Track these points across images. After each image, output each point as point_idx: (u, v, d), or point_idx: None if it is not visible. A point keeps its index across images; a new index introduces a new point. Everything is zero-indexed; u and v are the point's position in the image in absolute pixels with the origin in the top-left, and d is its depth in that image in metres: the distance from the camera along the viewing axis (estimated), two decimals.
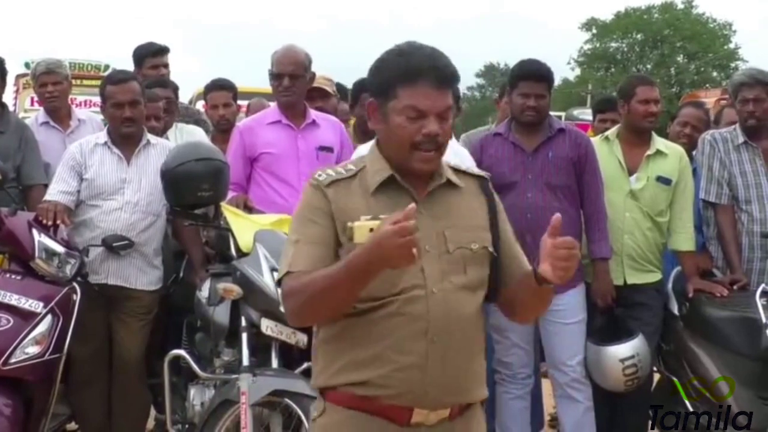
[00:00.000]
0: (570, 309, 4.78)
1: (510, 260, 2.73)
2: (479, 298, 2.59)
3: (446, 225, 2.53)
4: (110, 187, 4.76)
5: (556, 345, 4.86)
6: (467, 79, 62.13)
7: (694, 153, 5.52)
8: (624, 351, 4.68)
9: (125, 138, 4.83)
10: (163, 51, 6.52)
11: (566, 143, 4.80)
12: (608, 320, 4.85)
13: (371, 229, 2.27)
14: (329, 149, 5.07)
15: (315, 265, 2.42)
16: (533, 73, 4.83)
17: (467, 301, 2.53)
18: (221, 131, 6.09)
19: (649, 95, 5.00)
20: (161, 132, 5.46)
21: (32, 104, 11.93)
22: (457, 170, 2.69)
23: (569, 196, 4.78)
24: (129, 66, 6.39)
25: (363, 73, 2.84)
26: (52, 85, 5.85)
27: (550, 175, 4.76)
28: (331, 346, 2.52)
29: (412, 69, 2.46)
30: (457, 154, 4.84)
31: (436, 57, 2.49)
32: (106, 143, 4.85)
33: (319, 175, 2.53)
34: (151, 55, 6.45)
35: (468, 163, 4.79)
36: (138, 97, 4.82)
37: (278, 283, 2.56)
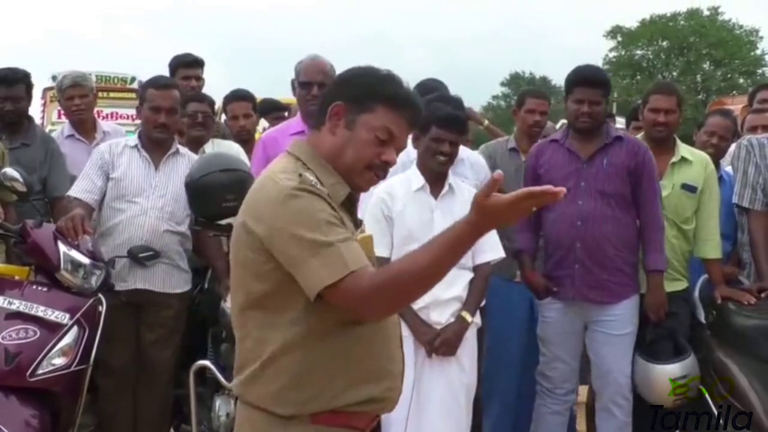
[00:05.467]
0: (619, 320, 4.72)
1: None
2: None
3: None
4: (136, 189, 4.79)
5: (602, 355, 4.79)
6: (492, 88, 62.02)
7: (721, 161, 5.48)
8: (676, 371, 4.61)
9: (155, 143, 4.89)
10: (197, 63, 6.55)
11: (623, 151, 4.72)
12: (659, 334, 4.76)
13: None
14: None
15: (366, 264, 2.32)
16: (587, 78, 4.78)
17: None
18: (241, 142, 6.09)
19: (657, 104, 4.96)
20: (197, 146, 5.48)
21: (59, 117, 12.02)
22: None
23: (623, 205, 4.70)
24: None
25: None
26: (78, 98, 5.90)
27: (603, 183, 4.69)
28: (325, 366, 2.40)
29: (404, 97, 2.47)
30: (474, 166, 4.83)
31: (420, 102, 2.55)
32: (136, 146, 4.90)
33: (311, 182, 2.38)
34: (184, 66, 6.48)
35: (484, 174, 4.78)
36: (176, 105, 4.91)
37: (327, 288, 2.28)
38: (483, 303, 4.55)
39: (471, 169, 4.80)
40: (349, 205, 2.53)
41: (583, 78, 4.79)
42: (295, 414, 2.41)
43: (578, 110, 4.72)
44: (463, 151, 4.77)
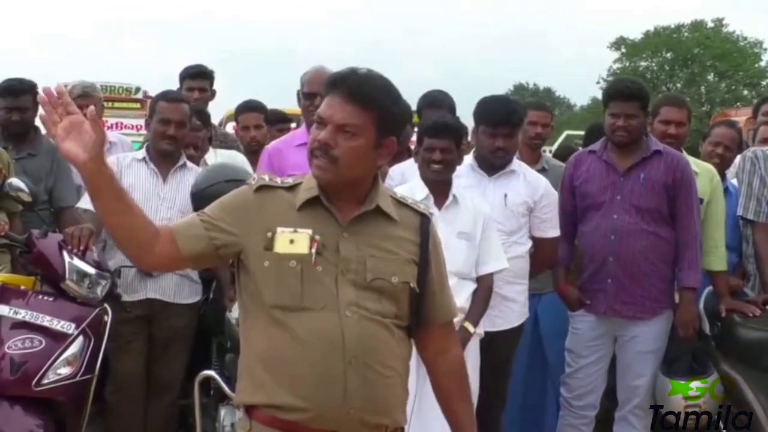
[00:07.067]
0: (650, 336, 4.71)
1: (431, 304, 2.64)
2: (397, 330, 2.55)
3: (369, 253, 2.49)
4: (144, 200, 4.77)
5: (626, 368, 4.80)
6: None
7: (726, 173, 5.48)
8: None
9: (162, 155, 4.90)
10: (202, 74, 6.55)
11: (661, 166, 4.67)
12: (685, 351, 4.71)
13: (291, 240, 2.42)
14: None
15: (185, 244, 2.47)
16: (621, 92, 4.74)
17: (383, 329, 2.50)
18: (252, 153, 6.10)
19: (669, 116, 4.97)
20: (198, 158, 5.49)
21: None
22: (399, 202, 2.63)
23: (659, 220, 4.66)
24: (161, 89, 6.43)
25: None
26: (87, 108, 5.89)
27: (639, 197, 4.65)
28: (251, 362, 2.50)
29: (331, 79, 2.50)
30: (530, 184, 4.73)
31: (357, 74, 2.48)
32: (144, 159, 4.92)
33: (254, 179, 2.59)
34: (190, 77, 6.49)
35: (540, 194, 4.70)
36: (185, 119, 4.93)
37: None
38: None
39: (526, 186, 4.70)
40: (321, 208, 2.50)
41: (617, 91, 4.77)
42: (238, 402, 2.59)
43: (614, 124, 4.67)
44: (518, 165, 4.74)
